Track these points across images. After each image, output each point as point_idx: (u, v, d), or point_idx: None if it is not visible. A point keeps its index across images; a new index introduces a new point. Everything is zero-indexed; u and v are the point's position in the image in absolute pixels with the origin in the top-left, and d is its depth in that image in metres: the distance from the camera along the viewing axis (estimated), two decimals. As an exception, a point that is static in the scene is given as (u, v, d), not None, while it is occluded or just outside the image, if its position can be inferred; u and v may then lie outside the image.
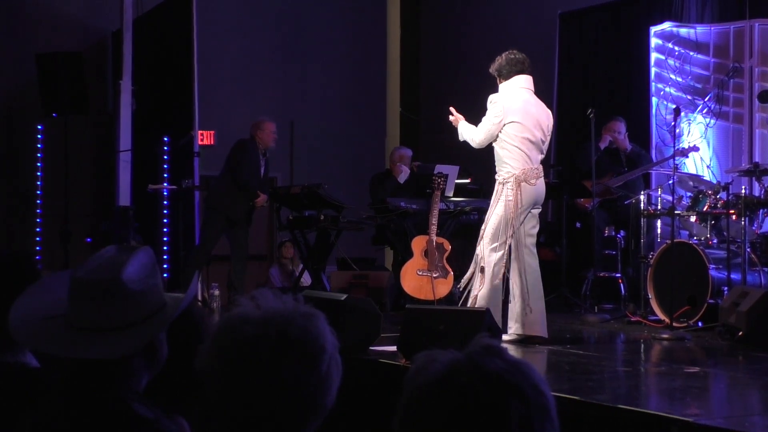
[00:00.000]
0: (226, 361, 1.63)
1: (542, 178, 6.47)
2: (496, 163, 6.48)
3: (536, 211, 6.47)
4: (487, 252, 6.32)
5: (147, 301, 2.01)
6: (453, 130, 6.80)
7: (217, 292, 8.71)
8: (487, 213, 6.49)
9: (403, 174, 9.63)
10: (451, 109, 6.81)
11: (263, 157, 9.31)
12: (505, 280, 6.37)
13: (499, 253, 6.30)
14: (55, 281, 2.15)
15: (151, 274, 2.04)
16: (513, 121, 6.36)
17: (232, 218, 9.10)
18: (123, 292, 1.97)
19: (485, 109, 6.50)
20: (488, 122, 6.42)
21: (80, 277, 1.99)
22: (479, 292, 6.30)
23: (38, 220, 10.85)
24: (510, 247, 6.33)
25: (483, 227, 6.47)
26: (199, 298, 9.35)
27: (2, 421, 2.30)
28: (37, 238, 10.80)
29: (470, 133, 6.58)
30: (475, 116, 6.84)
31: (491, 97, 6.49)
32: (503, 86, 6.49)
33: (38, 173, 10.90)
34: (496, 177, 6.45)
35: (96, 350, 1.95)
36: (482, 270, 6.33)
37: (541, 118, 6.49)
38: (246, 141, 9.25)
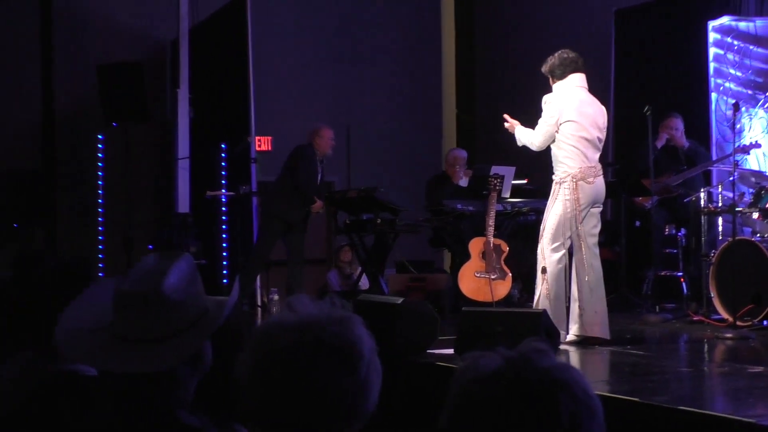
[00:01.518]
0: (263, 369, 1.63)
1: (601, 177, 6.41)
2: (553, 163, 6.44)
3: (597, 210, 6.41)
4: (548, 252, 6.29)
5: (189, 310, 2.02)
6: (511, 135, 6.77)
7: (276, 297, 8.78)
8: (545, 213, 6.45)
9: (464, 179, 9.61)
10: (506, 116, 6.79)
11: (320, 163, 9.36)
12: (567, 280, 6.32)
13: (560, 253, 6.26)
14: (99, 291, 2.17)
15: (192, 281, 2.05)
16: (569, 120, 6.32)
17: (289, 223, 9.15)
18: (165, 303, 1.98)
19: (540, 110, 6.47)
20: (545, 123, 6.40)
21: (123, 289, 2.01)
22: (542, 293, 6.26)
23: (100, 228, 11.02)
24: (571, 246, 6.29)
25: (542, 227, 6.44)
26: (259, 303, 9.43)
27: (58, 430, 2.33)
28: (100, 246, 10.97)
29: (528, 137, 6.55)
30: (531, 116, 6.80)
31: (546, 98, 6.46)
32: (557, 86, 6.45)
33: (99, 182, 11.07)
34: (553, 177, 6.41)
35: (142, 363, 1.97)
36: (543, 270, 6.30)
37: (597, 116, 6.44)
38: (305, 147, 9.31)
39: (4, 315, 2.91)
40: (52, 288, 2.65)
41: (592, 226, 6.36)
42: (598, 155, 6.44)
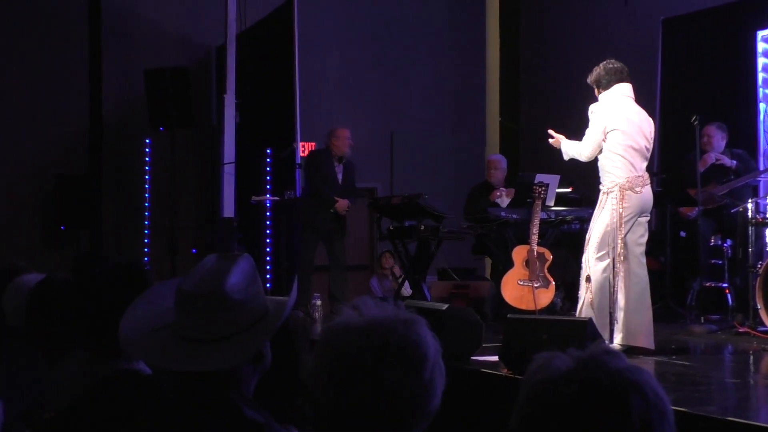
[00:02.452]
0: (330, 371, 1.66)
1: (648, 186, 6.39)
2: (600, 173, 6.43)
3: (644, 220, 6.38)
4: (593, 261, 6.28)
5: (250, 310, 2.05)
6: (557, 151, 6.76)
7: (318, 302, 8.82)
8: (591, 222, 6.44)
9: (505, 199, 9.59)
10: (550, 131, 6.78)
11: (339, 164, 9.42)
12: (612, 290, 6.29)
13: (605, 262, 6.24)
14: (162, 290, 2.21)
15: (253, 281, 2.09)
16: (615, 129, 6.30)
17: (316, 228, 9.25)
18: (227, 303, 2.02)
19: (587, 119, 6.46)
20: (592, 133, 6.39)
21: (186, 289, 2.04)
22: (585, 301, 6.25)
23: (146, 231, 11.15)
24: (617, 256, 6.26)
25: (588, 236, 6.43)
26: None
27: (118, 428, 2.38)
28: (145, 249, 11.09)
29: (576, 149, 6.53)
30: (574, 125, 6.79)
31: (592, 107, 6.45)
32: (603, 96, 6.44)
33: (146, 186, 11.21)
34: (600, 187, 6.40)
35: (205, 363, 2.01)
36: (588, 279, 6.28)
37: (644, 125, 6.42)
38: (315, 152, 9.50)
39: (63, 314, 2.98)
40: (111, 289, 2.70)
41: (639, 235, 6.33)
42: (645, 164, 6.42)
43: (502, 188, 9.72)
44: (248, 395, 2.10)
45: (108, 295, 2.69)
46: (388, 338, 1.65)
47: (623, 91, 6.44)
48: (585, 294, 6.29)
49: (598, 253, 6.27)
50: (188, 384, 2.04)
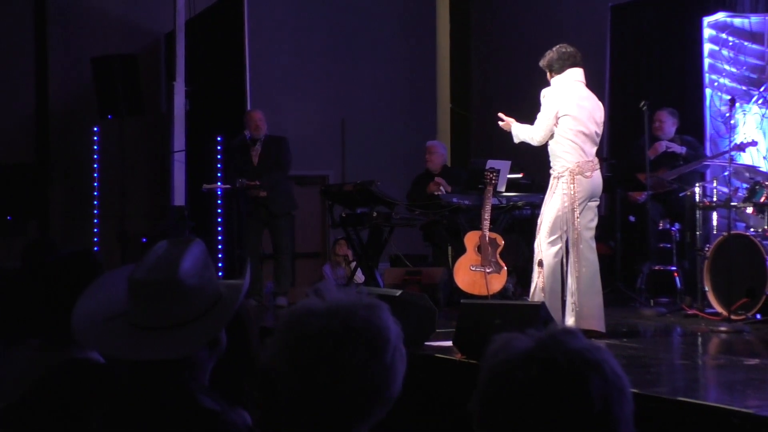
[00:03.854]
0: (292, 354, 1.65)
1: (598, 171, 6.43)
2: (550, 158, 6.46)
3: (594, 204, 6.43)
4: (545, 246, 6.32)
5: (205, 295, 2.04)
6: (505, 130, 6.77)
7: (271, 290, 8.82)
8: (542, 207, 6.48)
9: (436, 191, 9.55)
10: (501, 115, 6.78)
11: (254, 146, 9.21)
12: (564, 274, 6.34)
13: (557, 247, 6.29)
14: (113, 279, 2.18)
15: (206, 267, 2.07)
16: (567, 114, 6.34)
17: (255, 215, 9.16)
18: (181, 290, 2.00)
19: (538, 104, 6.49)
20: (544, 117, 6.40)
21: (138, 278, 2.02)
22: (537, 285, 6.30)
23: (95, 221, 11.03)
24: (568, 240, 6.31)
25: (539, 221, 6.46)
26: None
27: (71, 417, 2.35)
28: (95, 239, 10.98)
29: (528, 133, 6.54)
30: (526, 110, 6.82)
31: (544, 92, 6.48)
32: (555, 80, 6.47)
33: (95, 174, 11.08)
34: (551, 172, 6.43)
35: (161, 351, 1.98)
36: (540, 263, 6.33)
37: (594, 110, 6.46)
38: (231, 141, 9.42)
39: (13, 304, 2.93)
40: (63, 278, 2.67)
41: (589, 220, 6.38)
42: (595, 150, 6.46)
43: (438, 178, 9.69)
44: (204, 382, 2.08)
45: (59, 284, 2.65)
46: (350, 322, 1.65)
47: (575, 76, 6.47)
48: (537, 278, 6.34)
49: (549, 237, 6.31)
50: (143, 373, 2.02)
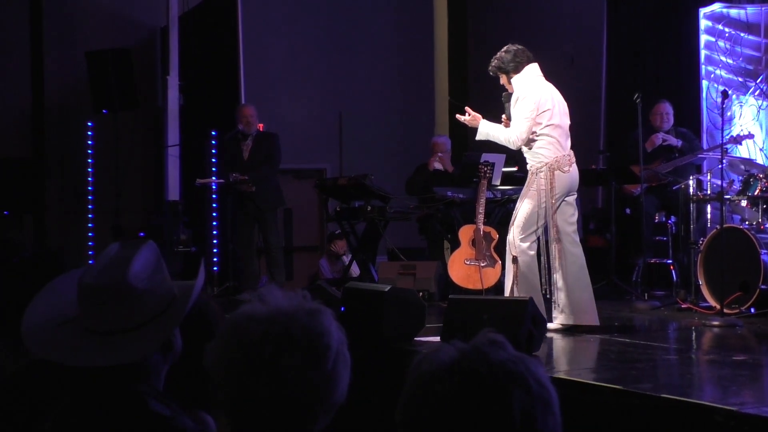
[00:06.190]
0: (231, 359, 1.63)
1: (575, 165, 6.36)
2: (525, 154, 6.39)
3: (572, 199, 6.37)
4: (518, 242, 6.26)
5: (156, 298, 2.01)
6: (473, 130, 6.64)
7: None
8: (518, 202, 6.41)
9: (436, 164, 9.59)
10: (467, 109, 6.67)
11: (245, 141, 9.20)
12: (545, 270, 6.30)
13: (530, 242, 6.24)
14: (64, 283, 2.15)
15: (157, 269, 2.04)
16: (546, 109, 6.27)
17: (245, 209, 9.14)
18: (131, 293, 1.97)
19: (502, 109, 6.40)
20: (525, 119, 6.23)
21: (87, 282, 1.99)
22: (514, 282, 6.26)
23: (90, 215, 11.01)
24: (547, 236, 6.27)
25: (513, 216, 6.40)
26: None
27: (24, 420, 2.32)
28: (90, 234, 10.96)
29: (504, 134, 6.35)
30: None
31: (517, 93, 6.33)
32: (517, 80, 6.34)
33: (89, 169, 11.06)
34: (528, 167, 6.37)
35: (113, 356, 1.95)
36: (514, 260, 6.28)
37: (563, 103, 6.41)
38: (225, 136, 9.36)
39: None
40: (26, 278, 2.64)
41: (570, 215, 6.32)
42: (569, 143, 6.40)
43: (442, 156, 9.72)
44: (158, 386, 2.05)
45: (24, 285, 2.62)
46: (290, 328, 1.62)
47: (535, 71, 6.38)
48: (511, 275, 6.30)
49: (523, 233, 6.25)
50: (92, 378, 1.99)
